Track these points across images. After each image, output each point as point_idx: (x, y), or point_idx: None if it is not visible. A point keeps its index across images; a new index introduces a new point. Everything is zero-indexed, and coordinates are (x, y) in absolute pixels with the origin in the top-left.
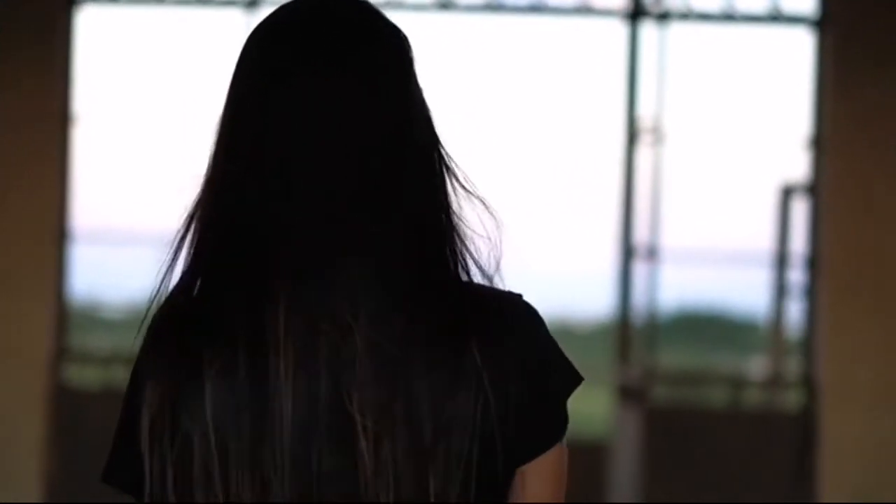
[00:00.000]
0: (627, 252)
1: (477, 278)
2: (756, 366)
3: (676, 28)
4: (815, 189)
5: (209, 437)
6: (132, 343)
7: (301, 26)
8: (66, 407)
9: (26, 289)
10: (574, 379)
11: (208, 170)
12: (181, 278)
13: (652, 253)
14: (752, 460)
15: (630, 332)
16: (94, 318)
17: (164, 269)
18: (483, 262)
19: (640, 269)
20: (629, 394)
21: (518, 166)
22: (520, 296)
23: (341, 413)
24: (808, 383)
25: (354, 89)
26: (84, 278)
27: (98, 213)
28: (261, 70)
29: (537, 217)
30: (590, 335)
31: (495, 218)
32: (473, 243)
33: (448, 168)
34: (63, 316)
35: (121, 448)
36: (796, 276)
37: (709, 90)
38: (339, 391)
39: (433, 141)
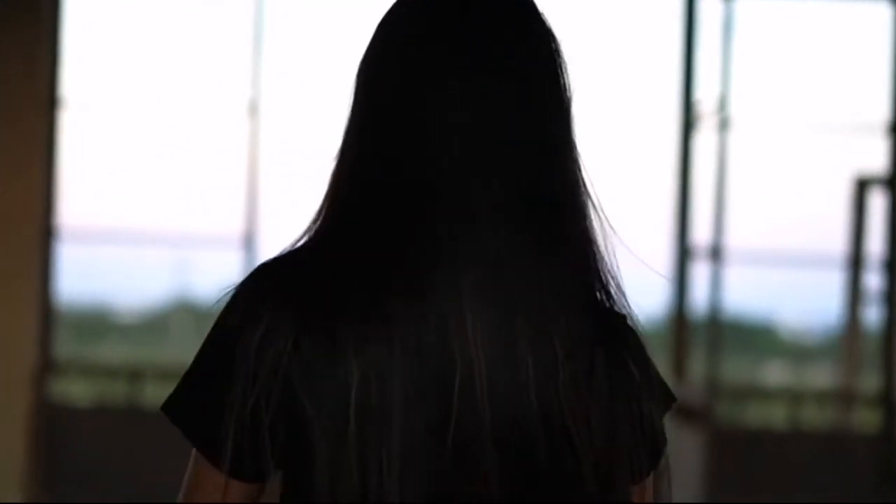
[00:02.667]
0: (684, 252)
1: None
2: (772, 373)
3: (742, 2)
4: (893, 181)
5: (348, 432)
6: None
7: (453, 21)
8: (52, 426)
9: (6, 293)
10: (671, 396)
11: (345, 156)
12: (312, 239)
13: (715, 253)
14: (825, 485)
15: (687, 343)
16: (82, 325)
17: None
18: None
19: (699, 271)
20: (688, 412)
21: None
22: (626, 316)
23: (551, 418)
24: (888, 399)
25: (503, 94)
26: (78, 281)
27: (88, 209)
28: (405, 67)
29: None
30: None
31: (608, 227)
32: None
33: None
34: (49, 323)
35: (195, 389)
36: (873, 279)
37: (776, 71)
38: (547, 397)
39: (573, 147)
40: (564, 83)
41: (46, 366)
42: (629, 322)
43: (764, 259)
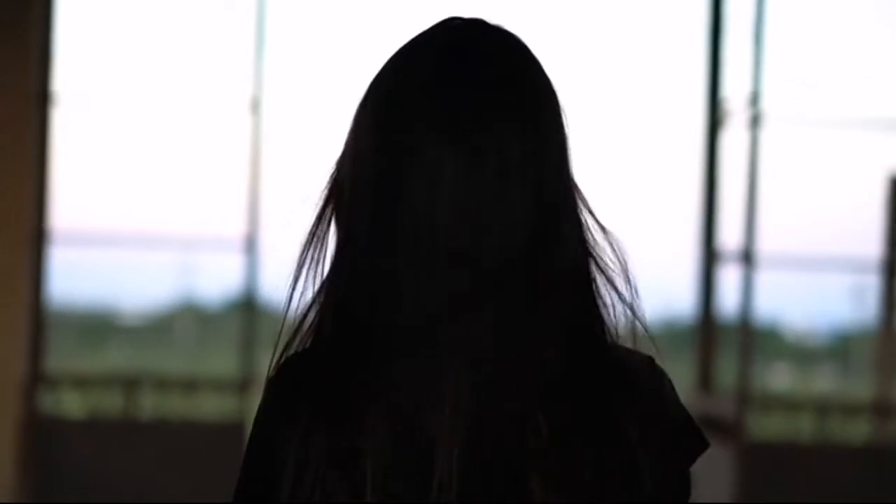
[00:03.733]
0: (710, 255)
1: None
2: (777, 376)
3: None
4: None
5: None
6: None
7: (444, 77)
8: (43, 439)
9: None
10: (701, 444)
11: (342, 218)
12: (318, 325)
13: (746, 257)
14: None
15: (715, 352)
16: (86, 328)
17: (290, 295)
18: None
19: (727, 275)
20: (717, 426)
21: (584, 153)
22: (651, 359)
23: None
24: None
25: (505, 157)
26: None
27: (90, 211)
28: (394, 132)
29: (606, 213)
30: (664, 351)
31: (623, 255)
32: (611, 297)
33: (588, 227)
34: (40, 332)
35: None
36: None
37: (808, 66)
38: (519, 483)
39: (573, 204)
40: (564, 137)
41: (38, 376)
42: (647, 363)
43: (792, 263)
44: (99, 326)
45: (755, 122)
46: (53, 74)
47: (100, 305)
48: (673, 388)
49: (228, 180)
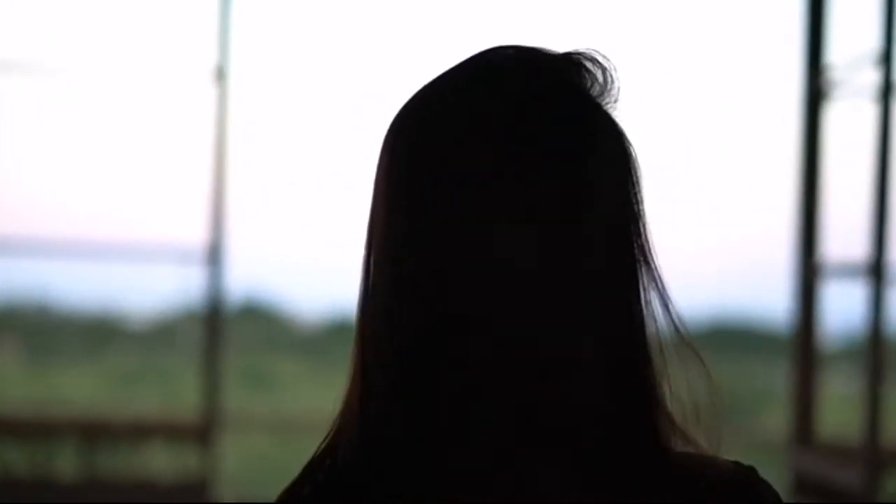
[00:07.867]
0: (810, 266)
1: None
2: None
3: None
4: None
5: None
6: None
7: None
8: None
9: None
10: None
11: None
12: (349, 448)
13: (875, 270)
14: None
15: (816, 391)
16: (90, 332)
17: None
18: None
19: (831, 290)
20: (827, 491)
21: (666, 138)
22: (751, 471)
23: None
24: None
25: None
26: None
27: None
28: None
29: (687, 208)
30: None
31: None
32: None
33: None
34: None
35: None
36: None
37: None
38: None
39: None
40: (637, 194)
41: None
42: (742, 489)
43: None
44: (103, 332)
45: (886, 91)
46: None
47: (107, 310)
48: None
49: (193, 170)
